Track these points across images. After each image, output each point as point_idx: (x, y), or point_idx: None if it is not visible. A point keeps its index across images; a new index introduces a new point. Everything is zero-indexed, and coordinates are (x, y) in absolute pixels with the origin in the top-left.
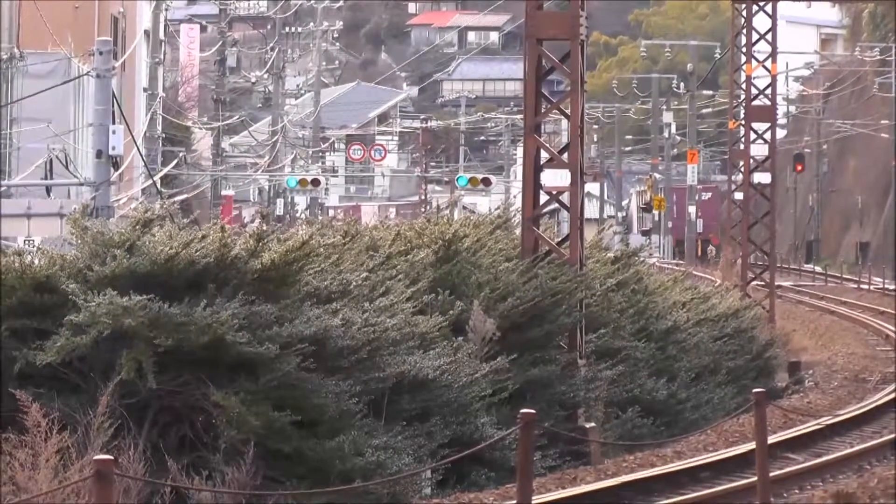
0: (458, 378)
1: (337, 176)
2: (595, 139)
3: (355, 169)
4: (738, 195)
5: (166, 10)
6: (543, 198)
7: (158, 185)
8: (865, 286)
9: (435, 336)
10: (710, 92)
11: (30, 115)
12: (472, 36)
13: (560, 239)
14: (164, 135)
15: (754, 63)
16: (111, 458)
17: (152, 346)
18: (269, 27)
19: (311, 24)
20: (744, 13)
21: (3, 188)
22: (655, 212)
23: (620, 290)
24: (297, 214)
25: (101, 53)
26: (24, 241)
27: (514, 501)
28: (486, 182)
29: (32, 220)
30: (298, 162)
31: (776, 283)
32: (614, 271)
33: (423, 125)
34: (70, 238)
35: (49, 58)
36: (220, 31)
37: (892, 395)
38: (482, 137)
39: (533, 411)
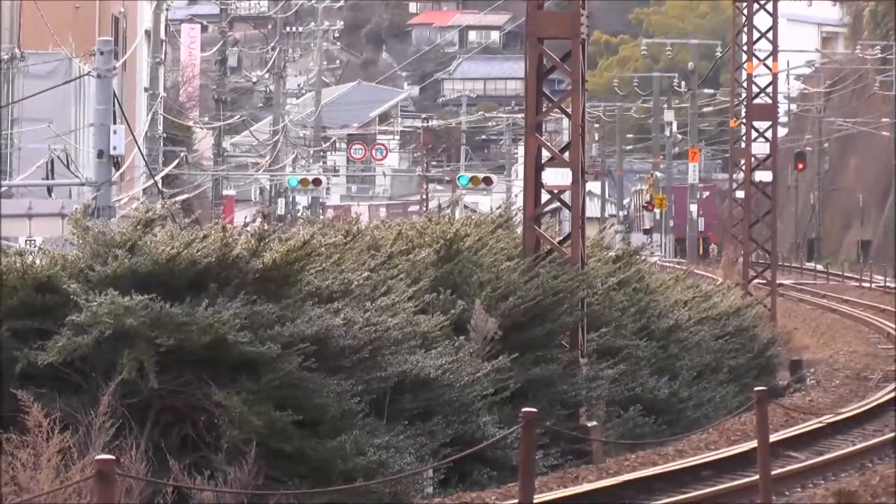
0: (460, 377)
1: (338, 175)
2: (596, 138)
3: (356, 168)
4: (740, 194)
5: (167, 9)
6: (545, 197)
7: (160, 185)
8: (867, 284)
9: (436, 335)
10: (712, 90)
11: (31, 115)
12: (472, 35)
13: (561, 238)
14: (165, 134)
15: (755, 61)
16: (113, 457)
17: (154, 346)
18: (269, 27)
19: (312, 23)
20: (745, 11)
21: (4, 188)
22: (657, 210)
23: (622, 288)
24: (298, 214)
25: (101, 53)
26: (26, 241)
27: (516, 500)
28: (488, 181)
29: (34, 220)
30: (300, 161)
31: (778, 282)
32: (616, 270)
33: (424, 124)
34: (71, 238)
35: (50, 58)
36: (221, 30)
37: (893, 394)
38: (483, 137)
39: (535, 410)
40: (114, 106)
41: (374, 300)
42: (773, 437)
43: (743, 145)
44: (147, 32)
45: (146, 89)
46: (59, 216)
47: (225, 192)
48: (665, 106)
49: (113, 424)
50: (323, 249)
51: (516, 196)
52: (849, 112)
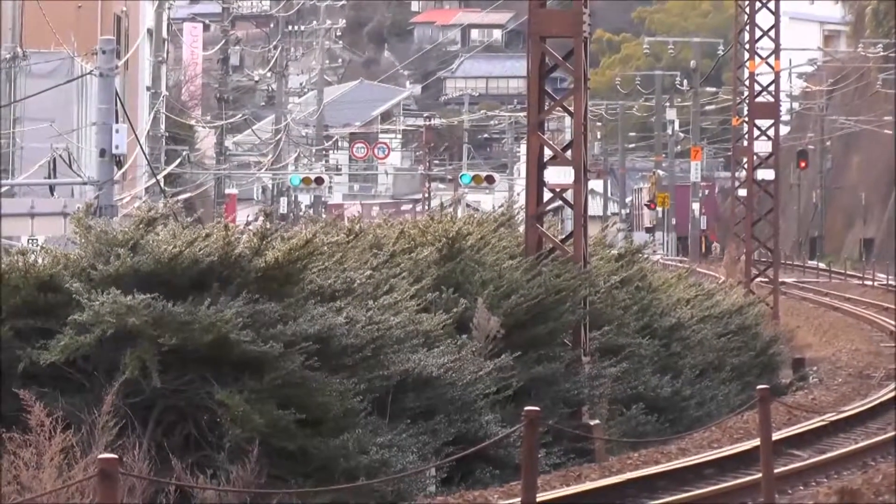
0: (463, 376)
1: (340, 174)
2: (598, 136)
3: (359, 167)
4: (742, 192)
5: (169, 8)
6: (547, 195)
7: (162, 184)
8: (869, 282)
9: (439, 334)
10: (714, 89)
11: (33, 114)
12: (475, 34)
13: (564, 236)
14: (167, 133)
15: (757, 60)
16: (115, 457)
17: (156, 345)
18: (272, 25)
19: (314, 22)
20: (747, 10)
21: (6, 187)
22: (659, 209)
23: (624, 287)
24: (301, 213)
25: (104, 52)
26: (28, 240)
27: (519, 499)
28: (490, 180)
29: (36, 219)
30: (302, 160)
31: (780, 280)
32: (618, 268)
33: (427, 123)
34: (74, 237)
35: (52, 57)
36: (223, 29)
37: (895, 392)
38: (485, 135)
39: (537, 409)
40: (116, 105)
41: (376, 299)
42: (775, 436)
43: (745, 144)
44: (149, 31)
45: (148, 88)
46: (61, 215)
47: (227, 191)
48: (667, 104)
49: (116, 423)
50: (325, 248)
51: (518, 194)
52: (851, 110)
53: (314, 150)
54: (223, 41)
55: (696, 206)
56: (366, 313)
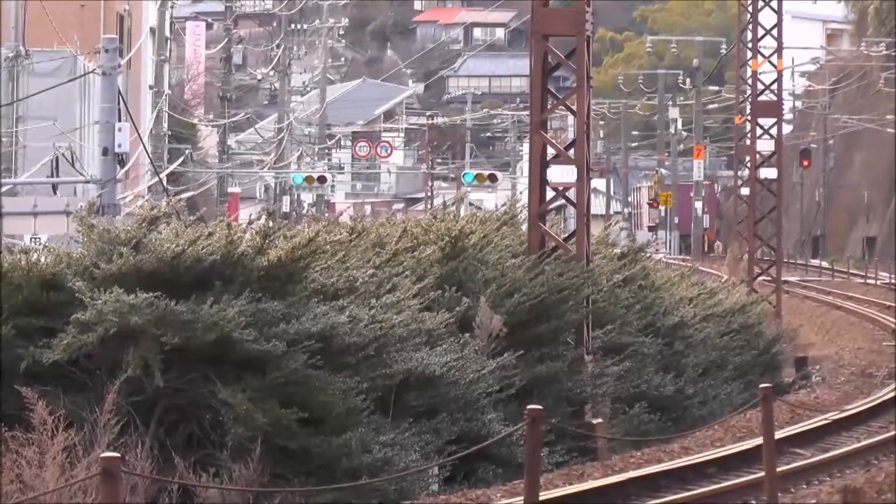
0: (465, 374)
1: (343, 173)
2: (601, 135)
3: (361, 166)
4: (745, 191)
5: (172, 7)
6: (550, 194)
7: (164, 183)
8: (872, 281)
9: (442, 333)
10: (716, 87)
11: (36, 113)
12: (477, 32)
13: (567, 235)
14: (170, 132)
15: (760, 58)
16: (118, 455)
17: (159, 344)
18: (274, 24)
19: (317, 21)
20: (749, 9)
21: (9, 186)
22: (662, 207)
23: (627, 285)
24: (303, 211)
25: (106, 51)
26: (31, 238)
27: (522, 498)
28: (493, 178)
29: (39, 217)
30: (305, 159)
31: (783, 279)
32: (621, 267)
33: (430, 122)
34: (76, 236)
35: (55, 56)
36: (226, 28)
37: None
38: (488, 134)
39: (540, 407)
40: (118, 104)
41: (379, 297)
42: (778, 434)
43: (748, 142)
44: (152, 30)
45: (151, 87)
46: (64, 214)
47: (230, 190)
48: (670, 103)
49: (118, 422)
50: (328, 247)
51: (521, 193)
52: (854, 109)
53: (317, 149)
54: (226, 40)
55: (698, 204)
56: (368, 312)
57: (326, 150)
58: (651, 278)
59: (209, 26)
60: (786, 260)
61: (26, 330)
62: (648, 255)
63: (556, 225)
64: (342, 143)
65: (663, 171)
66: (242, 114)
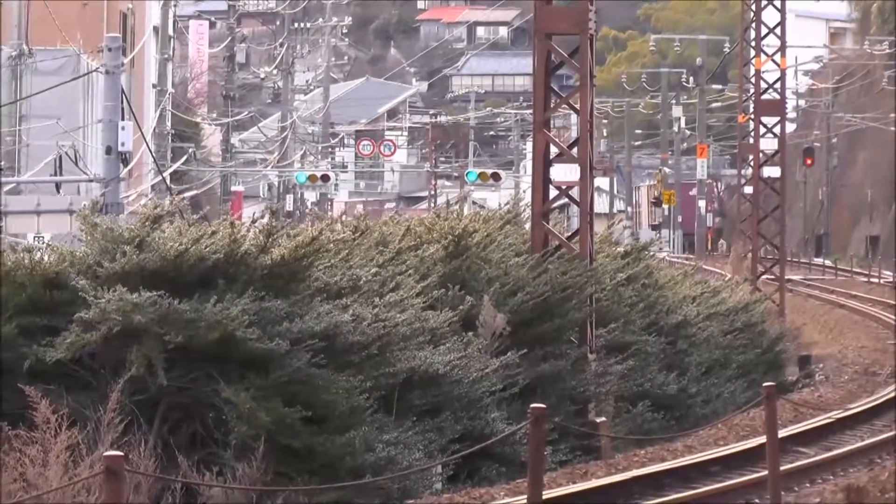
0: (469, 373)
1: (346, 171)
2: (605, 134)
3: (365, 164)
4: (748, 189)
5: (175, 6)
6: (553, 193)
7: (168, 182)
8: (875, 280)
9: (445, 331)
10: (720, 86)
11: (39, 111)
12: (481, 31)
13: (570, 234)
14: (173, 131)
15: (763, 57)
16: (121, 454)
17: (162, 343)
18: (278, 23)
19: (320, 19)
20: (753, 7)
21: (13, 185)
22: (665, 206)
23: (630, 284)
24: (307, 210)
25: (109, 50)
26: (34, 237)
27: (525, 496)
28: (496, 177)
29: (42, 216)
30: (308, 158)
31: (786, 277)
32: (624, 266)
33: (433, 120)
34: (80, 234)
35: (58, 54)
36: (230, 27)
37: None
38: (491, 132)
39: (543, 406)
40: (122, 102)
41: (382, 296)
42: (781, 433)
43: (751, 141)
44: (155, 29)
45: (154, 86)
46: (67, 213)
47: (233, 189)
48: (673, 102)
49: (121, 421)
50: (331, 245)
51: (524, 192)
52: (857, 107)
53: (320, 148)
54: (229, 38)
55: (702, 203)
56: (372, 310)
57: (330, 149)
58: (654, 277)
59: (212, 25)
60: (789, 258)
61: (30, 329)
62: (652, 253)
63: (559, 224)
64: (345, 141)
65: (667, 169)
66: (246, 112)
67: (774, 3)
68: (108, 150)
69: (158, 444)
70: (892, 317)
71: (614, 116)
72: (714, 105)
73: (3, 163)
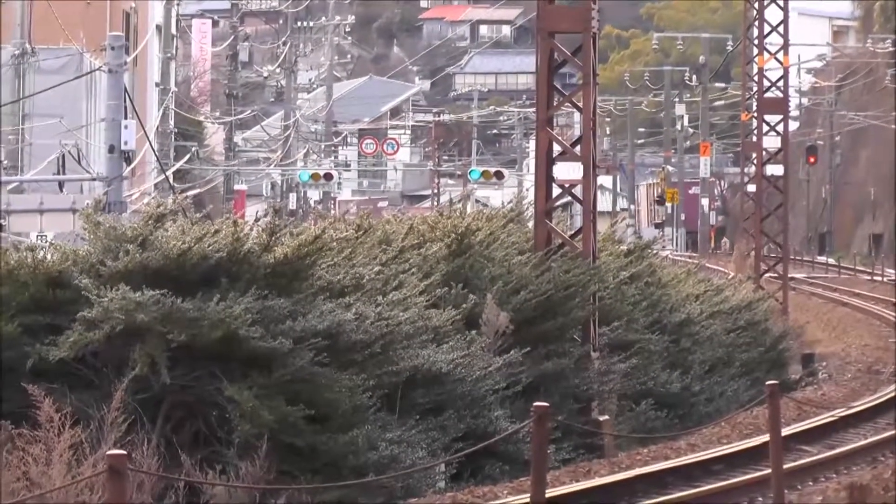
0: (472, 372)
1: (350, 170)
2: (608, 132)
3: (368, 163)
4: (751, 187)
5: (178, 4)
6: (556, 191)
7: (171, 180)
8: (878, 278)
9: (448, 330)
10: (723, 84)
11: (42, 110)
12: (484, 29)
13: (573, 232)
14: (176, 130)
15: (766, 55)
16: (125, 453)
17: (165, 342)
18: (281, 22)
19: (323, 18)
20: (756, 5)
21: (16, 184)
22: (668, 204)
23: (633, 282)
24: (310, 209)
25: (112, 49)
26: (37, 236)
27: (528, 494)
28: (499, 175)
29: (45, 215)
30: (311, 156)
31: (789, 276)
32: (627, 264)
33: (436, 119)
34: (83, 233)
35: (61, 53)
36: (232, 25)
37: None
38: (495, 131)
39: (546, 404)
40: (125, 101)
41: (385, 294)
42: (785, 431)
43: (754, 139)
44: (158, 27)
45: (157, 84)
46: (70, 211)
47: (236, 187)
48: (676, 100)
49: (125, 420)
50: (334, 244)
51: (528, 190)
52: (860, 106)
53: (323, 147)
54: (232, 37)
55: (705, 201)
56: (375, 309)
57: (333, 148)
58: (657, 275)
59: (215, 24)
60: (792, 257)
61: (32, 327)
62: (655, 251)
63: (562, 222)
64: (348, 140)
65: (670, 167)
66: (249, 111)
67: (777, 1)
68: (111, 149)
69: (161, 443)
70: (895, 315)
71: (617, 115)
72: (717, 103)
73: (6, 161)
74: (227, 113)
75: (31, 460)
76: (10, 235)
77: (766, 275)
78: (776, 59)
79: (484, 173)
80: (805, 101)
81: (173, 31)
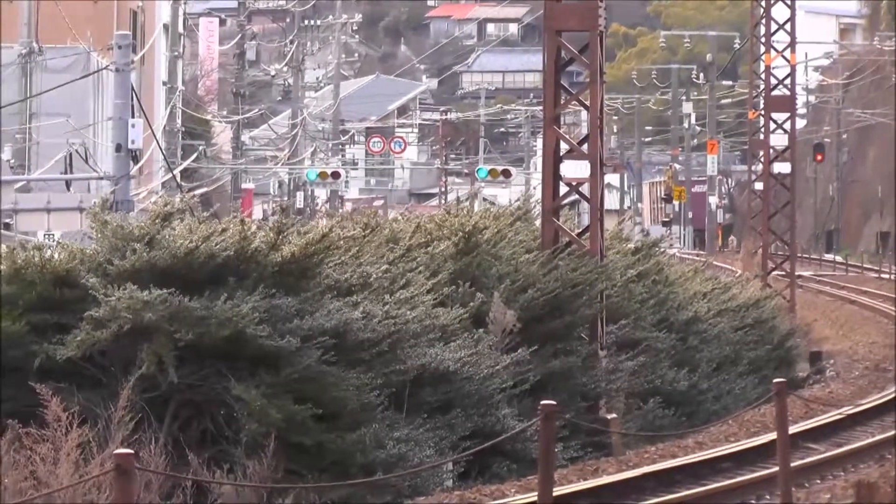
0: (479, 370)
1: (357, 169)
2: (615, 130)
3: (375, 161)
4: (759, 185)
5: (185, 3)
6: (563, 189)
7: (178, 179)
8: (886, 275)
9: (455, 328)
10: (730, 82)
11: (49, 109)
12: (491, 28)
13: (580, 230)
14: (183, 128)
15: (773, 53)
16: (132, 452)
17: (173, 340)
18: (288, 20)
19: (331, 16)
20: (763, 3)
21: (23, 182)
22: (676, 202)
23: (641, 280)
24: (318, 207)
25: (119, 47)
26: (44, 235)
27: (536, 493)
28: (506, 174)
29: (52, 214)
30: (318, 155)
31: (797, 273)
32: (635, 262)
33: (443, 117)
34: (90, 232)
35: (68, 52)
36: (240, 24)
37: None
38: (502, 129)
39: (554, 403)
40: (132, 100)
41: (392, 293)
42: (792, 429)
43: (761, 137)
44: (165, 26)
45: (164, 83)
46: (77, 210)
47: (243, 186)
48: (683, 98)
49: (132, 419)
50: (341, 243)
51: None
52: (867, 103)
53: (330, 145)
54: (239, 36)
55: (712, 199)
56: (382, 308)
57: (340, 146)
58: (665, 273)
59: (222, 22)
60: (800, 255)
61: (40, 326)
62: (662, 250)
63: (569, 220)
64: (356, 138)
65: (677, 165)
66: (256, 110)
67: None
68: (118, 148)
69: (169, 442)
70: None
71: (624, 113)
72: (724, 101)
73: (13, 160)
74: (235, 111)
75: (39, 459)
76: (17, 234)
77: (774, 273)
78: (783, 56)
79: (491, 172)
80: (812, 98)
81: (180, 29)
